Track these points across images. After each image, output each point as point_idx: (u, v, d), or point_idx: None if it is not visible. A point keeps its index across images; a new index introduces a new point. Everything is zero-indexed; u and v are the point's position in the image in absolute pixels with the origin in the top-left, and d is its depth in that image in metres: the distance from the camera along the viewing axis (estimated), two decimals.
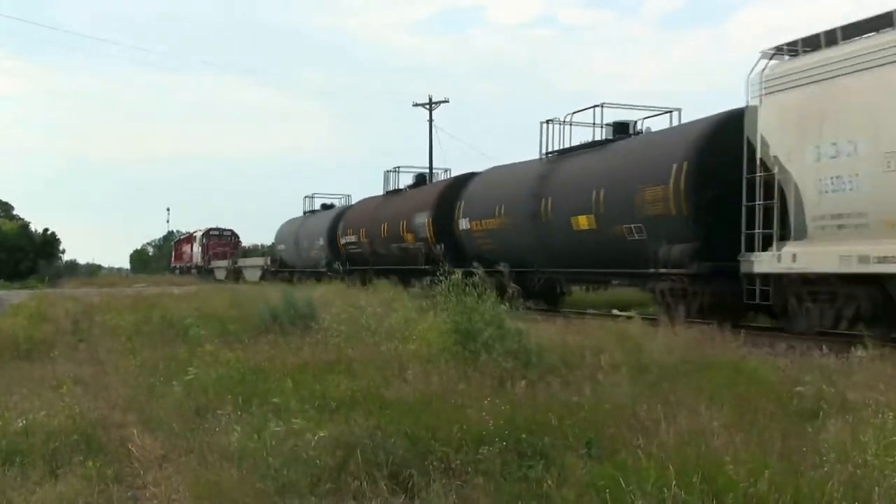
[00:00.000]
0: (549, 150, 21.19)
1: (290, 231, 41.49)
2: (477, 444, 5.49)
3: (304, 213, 41.77)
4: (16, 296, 28.29)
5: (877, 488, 4.48)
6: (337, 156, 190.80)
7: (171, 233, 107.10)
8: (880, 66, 11.58)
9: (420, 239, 26.04)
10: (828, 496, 4.39)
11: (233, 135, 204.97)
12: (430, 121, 47.44)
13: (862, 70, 11.90)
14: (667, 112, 19.11)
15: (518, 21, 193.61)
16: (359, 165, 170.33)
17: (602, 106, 19.89)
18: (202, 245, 57.50)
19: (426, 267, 23.96)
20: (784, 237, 13.01)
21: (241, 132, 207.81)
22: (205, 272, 54.36)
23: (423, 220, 26.02)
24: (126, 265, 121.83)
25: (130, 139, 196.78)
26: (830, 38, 12.68)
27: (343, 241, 32.62)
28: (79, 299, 24.08)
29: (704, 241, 14.77)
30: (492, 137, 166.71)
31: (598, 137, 19.97)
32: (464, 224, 23.71)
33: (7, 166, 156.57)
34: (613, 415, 6.28)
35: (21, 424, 6.47)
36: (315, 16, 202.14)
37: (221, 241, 55.72)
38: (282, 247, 42.83)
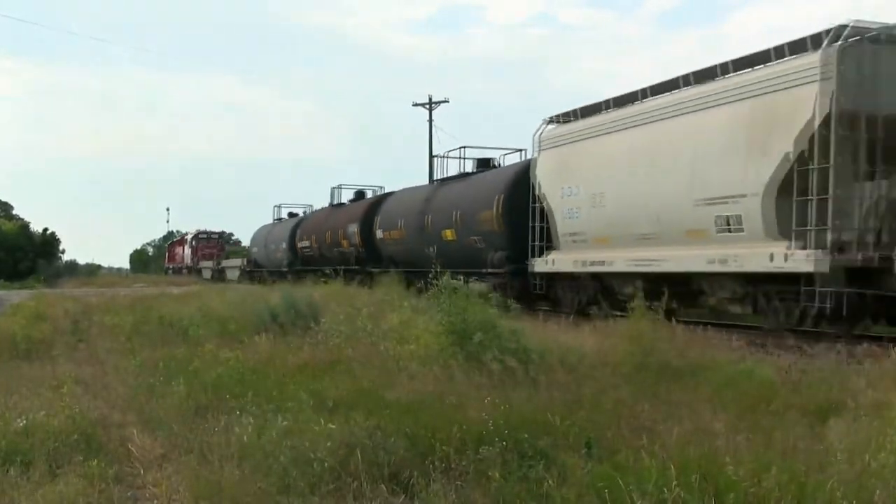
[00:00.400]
0: (434, 178, 28.98)
1: (261, 236, 48.20)
2: (477, 444, 5.48)
3: (274, 220, 47.66)
4: (15, 296, 28.24)
5: (878, 491, 4.47)
6: (337, 155, 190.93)
7: (170, 233, 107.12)
8: (594, 137, 18.53)
9: (352, 244, 32.52)
10: (830, 497, 4.39)
11: (233, 134, 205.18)
12: (430, 120, 47.56)
13: (585, 139, 18.78)
14: (517, 151, 24.77)
15: (517, 20, 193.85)
16: (359, 165, 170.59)
17: (464, 148, 27.22)
18: (192, 247, 62.08)
19: (356, 267, 31.08)
20: (550, 248, 19.88)
21: (240, 132, 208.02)
22: (194, 272, 58.92)
23: (354, 229, 32.22)
24: (126, 265, 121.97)
25: (130, 139, 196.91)
26: (584, 112, 19.46)
27: (300, 245, 39.34)
28: (78, 299, 24.06)
29: (512, 250, 21.09)
30: (492, 137, 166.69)
31: (466, 170, 26.50)
32: (379, 234, 30.03)
33: (7, 166, 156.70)
34: (614, 414, 6.28)
35: (21, 424, 6.46)
36: (315, 15, 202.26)
37: (209, 244, 60.27)
38: (255, 249, 49.19)
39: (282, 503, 4.95)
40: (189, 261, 61.64)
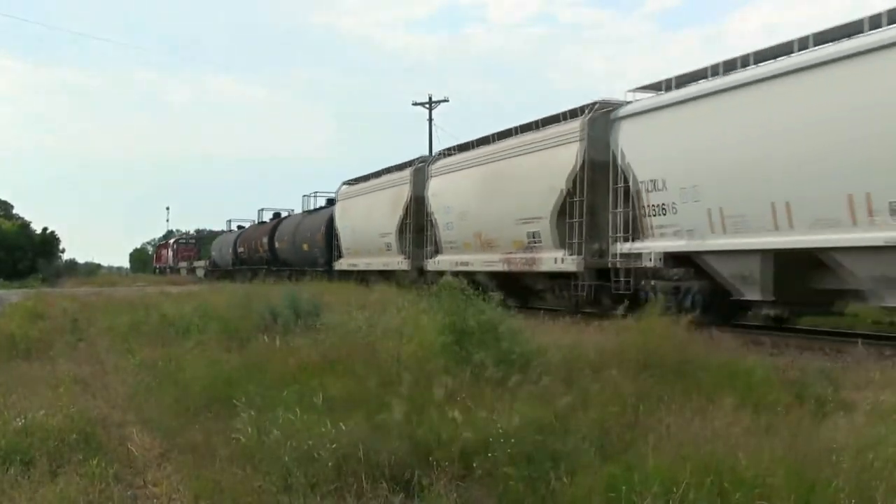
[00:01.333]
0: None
1: (218, 242, 60.47)
2: (481, 444, 5.45)
3: (238, 227, 57.34)
4: (14, 295, 28.23)
5: (881, 489, 4.46)
6: (337, 154, 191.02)
7: (170, 232, 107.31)
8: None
9: (265, 250, 44.17)
10: (834, 496, 4.37)
11: (232, 134, 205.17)
12: (430, 120, 47.66)
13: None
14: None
15: (517, 19, 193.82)
16: (360, 164, 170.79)
17: (314, 194, 42.44)
18: (174, 250, 74.93)
19: (265, 266, 43.11)
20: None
21: (240, 131, 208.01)
22: (174, 271, 70.57)
23: (265, 240, 44.08)
24: (126, 264, 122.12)
25: (131, 138, 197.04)
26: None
27: (238, 250, 50.72)
28: (77, 298, 24.04)
29: (329, 256, 33.13)
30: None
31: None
32: (277, 244, 42.63)
33: (6, 165, 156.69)
34: (618, 413, 6.26)
35: (21, 424, 6.43)
36: (314, 15, 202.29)
37: (187, 248, 72.50)
38: (214, 252, 60.05)
39: (282, 502, 4.93)
40: (171, 261, 73.77)
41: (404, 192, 27.34)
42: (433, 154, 28.56)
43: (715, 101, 14.71)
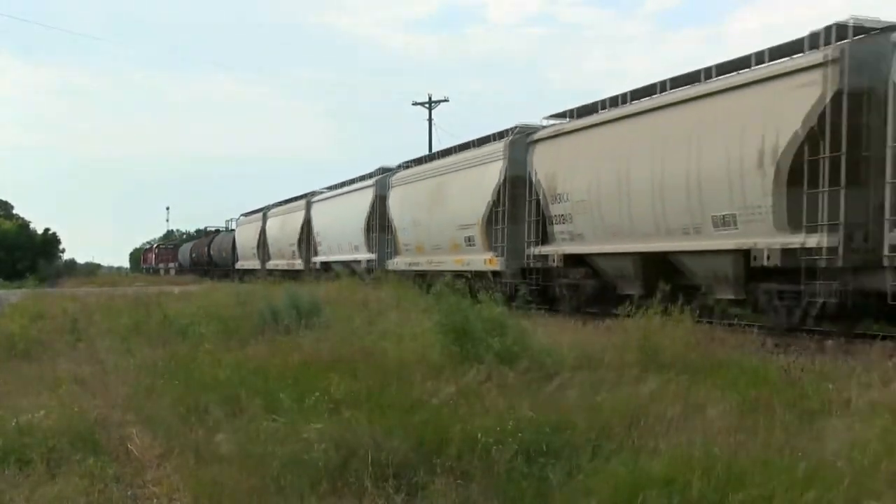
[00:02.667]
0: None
1: (185, 247, 76.94)
2: (482, 443, 5.45)
3: (207, 231, 70.69)
4: (14, 295, 28.21)
5: (881, 488, 4.46)
6: (337, 154, 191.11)
7: (170, 231, 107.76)
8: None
9: (206, 255, 60.99)
10: (833, 497, 4.37)
11: (232, 133, 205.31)
12: (430, 119, 47.62)
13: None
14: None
15: (517, 19, 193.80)
16: (360, 164, 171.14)
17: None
18: (156, 254, 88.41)
19: (207, 267, 59.62)
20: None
21: (240, 131, 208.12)
22: (156, 271, 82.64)
23: (203, 248, 61.42)
24: (125, 264, 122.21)
25: (130, 138, 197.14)
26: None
27: (192, 255, 66.96)
28: (77, 298, 24.02)
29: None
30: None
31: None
32: (213, 251, 59.10)
33: (6, 165, 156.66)
34: (620, 413, 6.25)
35: (20, 423, 6.42)
36: (315, 14, 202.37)
37: (167, 252, 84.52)
38: (180, 256, 75.54)
39: (282, 503, 4.92)
40: (154, 262, 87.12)
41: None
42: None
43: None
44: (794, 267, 12.62)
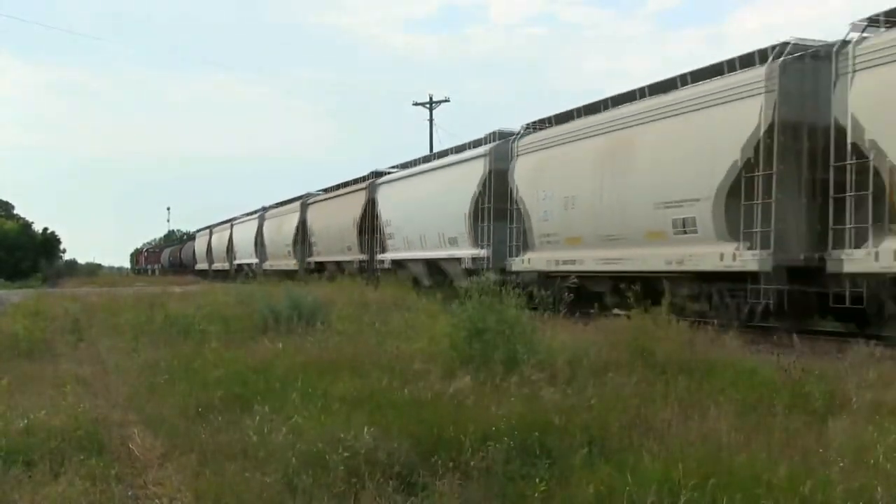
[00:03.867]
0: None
1: (165, 252, 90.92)
2: (482, 443, 5.46)
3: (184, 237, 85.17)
4: (16, 295, 28.24)
5: (880, 488, 4.47)
6: (338, 153, 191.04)
7: (171, 232, 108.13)
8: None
9: (182, 258, 75.17)
10: (832, 497, 4.38)
11: (233, 133, 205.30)
12: (431, 120, 47.61)
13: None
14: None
15: (517, 19, 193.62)
16: (361, 162, 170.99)
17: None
18: (145, 256, 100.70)
19: (182, 267, 72.89)
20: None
21: (240, 130, 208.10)
22: (145, 271, 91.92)
23: (178, 253, 77.39)
24: (127, 264, 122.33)
25: (131, 138, 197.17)
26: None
27: (170, 258, 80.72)
28: (79, 298, 24.04)
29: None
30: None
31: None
32: (187, 256, 74.16)
33: (7, 165, 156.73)
34: (619, 413, 6.26)
35: (22, 424, 6.44)
36: (315, 14, 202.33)
37: (154, 255, 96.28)
38: (162, 259, 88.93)
39: (284, 502, 4.93)
40: (143, 263, 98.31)
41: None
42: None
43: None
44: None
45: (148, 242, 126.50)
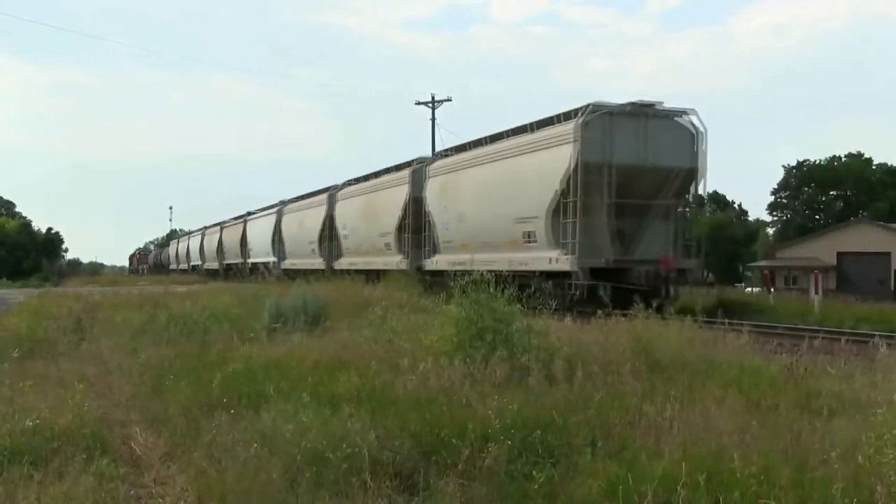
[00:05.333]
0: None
1: (151, 255, 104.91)
2: (483, 441, 5.48)
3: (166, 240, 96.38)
4: (18, 294, 28.27)
5: (879, 486, 4.48)
6: (339, 153, 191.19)
7: (173, 231, 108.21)
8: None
9: (162, 260, 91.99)
10: (832, 495, 4.40)
11: (234, 133, 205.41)
12: (433, 119, 47.55)
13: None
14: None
15: (521, 18, 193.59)
16: (361, 163, 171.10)
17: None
18: (136, 258, 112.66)
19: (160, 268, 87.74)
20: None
21: (242, 130, 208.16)
22: (136, 271, 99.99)
23: (156, 257, 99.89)
24: (128, 264, 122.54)
25: (134, 137, 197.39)
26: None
27: (151, 261, 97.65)
28: (81, 298, 24.08)
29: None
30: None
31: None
32: (162, 258, 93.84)
33: (10, 165, 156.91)
34: (621, 412, 6.27)
35: (27, 424, 6.45)
36: (316, 14, 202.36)
37: (145, 256, 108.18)
38: (148, 259, 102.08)
39: (287, 501, 4.95)
40: (136, 264, 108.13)
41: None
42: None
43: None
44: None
45: (150, 241, 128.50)
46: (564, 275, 19.20)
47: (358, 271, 29.66)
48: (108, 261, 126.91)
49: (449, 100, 47.96)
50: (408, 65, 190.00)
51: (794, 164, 73.00)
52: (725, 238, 63.23)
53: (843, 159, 72.29)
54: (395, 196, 29.00)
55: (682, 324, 10.38)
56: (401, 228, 28.23)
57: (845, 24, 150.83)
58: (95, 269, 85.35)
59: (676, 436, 5.57)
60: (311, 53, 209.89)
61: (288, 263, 42.27)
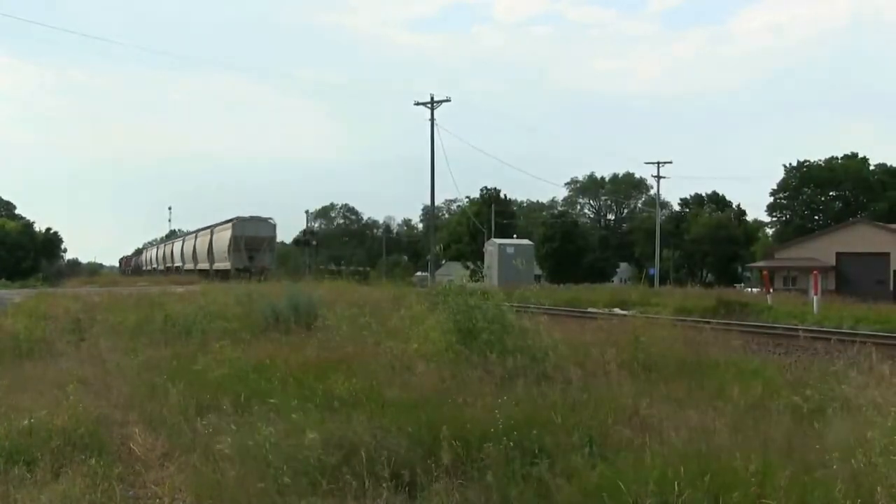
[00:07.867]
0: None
1: (139, 258, 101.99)
2: (479, 442, 5.47)
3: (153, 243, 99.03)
4: (17, 295, 28.25)
5: (879, 487, 4.47)
6: (339, 153, 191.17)
7: (172, 231, 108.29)
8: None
9: (141, 263, 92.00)
10: (832, 495, 4.39)
11: (234, 133, 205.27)
12: (432, 120, 47.59)
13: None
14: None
15: (522, 18, 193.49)
16: (361, 163, 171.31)
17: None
18: (126, 260, 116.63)
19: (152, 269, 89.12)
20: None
21: (242, 130, 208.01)
22: (126, 272, 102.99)
23: (133, 260, 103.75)
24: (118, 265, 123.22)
25: (133, 138, 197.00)
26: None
27: (135, 263, 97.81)
28: (80, 298, 24.05)
29: None
30: (495, 136, 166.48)
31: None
32: (140, 261, 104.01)
33: (9, 165, 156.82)
34: (618, 412, 6.26)
35: (24, 424, 6.44)
36: (317, 13, 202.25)
37: (132, 259, 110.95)
38: (137, 262, 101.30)
39: (283, 502, 4.94)
40: (125, 266, 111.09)
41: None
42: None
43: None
44: None
45: (149, 242, 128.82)
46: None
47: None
48: (107, 261, 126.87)
49: (447, 100, 48.03)
50: (409, 65, 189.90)
51: (794, 164, 73.24)
52: (724, 238, 63.32)
53: (842, 160, 72.42)
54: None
55: (676, 325, 10.36)
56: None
57: (843, 23, 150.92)
58: (94, 270, 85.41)
59: (673, 436, 5.56)
60: (311, 54, 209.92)
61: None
